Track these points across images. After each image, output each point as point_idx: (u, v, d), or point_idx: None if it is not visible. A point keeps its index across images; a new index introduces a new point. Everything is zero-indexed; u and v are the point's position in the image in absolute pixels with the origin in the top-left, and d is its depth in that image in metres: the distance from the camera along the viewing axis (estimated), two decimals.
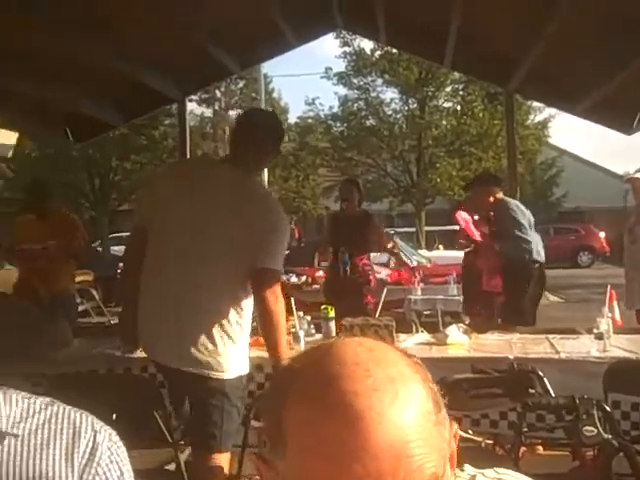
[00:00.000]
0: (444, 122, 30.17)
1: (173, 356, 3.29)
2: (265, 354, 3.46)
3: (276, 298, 3.23)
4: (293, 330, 4.54)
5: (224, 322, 3.28)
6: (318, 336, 4.81)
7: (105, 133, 9.45)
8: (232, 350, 3.31)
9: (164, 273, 3.33)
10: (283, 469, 0.86)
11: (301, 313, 4.83)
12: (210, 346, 3.24)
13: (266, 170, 27.56)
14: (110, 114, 7.94)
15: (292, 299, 4.61)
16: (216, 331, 3.26)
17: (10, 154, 8.51)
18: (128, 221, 30.98)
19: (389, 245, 8.38)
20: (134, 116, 8.85)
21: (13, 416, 1.26)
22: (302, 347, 4.37)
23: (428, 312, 9.80)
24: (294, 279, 11.46)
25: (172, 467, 3.62)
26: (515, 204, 6.83)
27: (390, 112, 30.77)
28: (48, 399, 1.32)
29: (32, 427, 1.27)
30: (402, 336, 4.87)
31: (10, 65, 5.47)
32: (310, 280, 11.23)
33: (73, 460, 1.24)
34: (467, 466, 1.10)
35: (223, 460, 3.31)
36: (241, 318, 3.33)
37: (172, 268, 3.31)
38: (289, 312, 4.38)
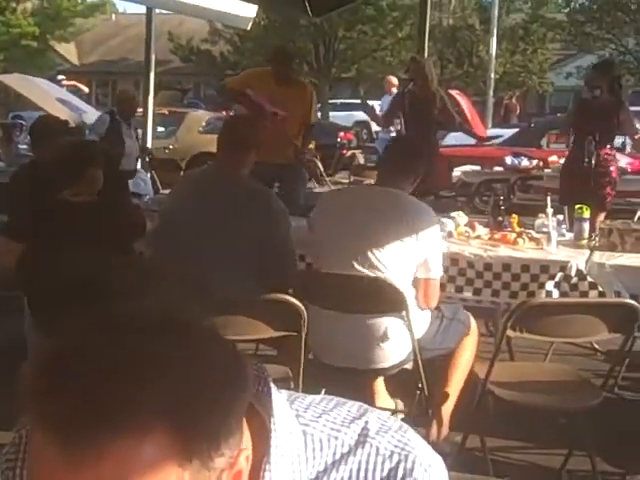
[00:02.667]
0: None
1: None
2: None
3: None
4: (545, 230, 4.31)
5: None
6: (569, 235, 4.49)
7: (342, 7, 9.29)
8: None
9: None
10: None
11: (551, 210, 4.43)
12: None
13: (494, 43, 26.49)
14: None
15: (548, 197, 4.38)
16: None
17: (249, 26, 8.58)
18: (347, 89, 31.22)
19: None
20: None
21: (316, 469, 0.93)
22: (554, 249, 4.16)
23: None
24: (525, 162, 10.94)
25: None
26: None
27: None
28: (358, 429, 0.96)
29: None
30: None
31: None
32: (542, 164, 10.71)
33: None
34: None
35: None
36: None
37: None
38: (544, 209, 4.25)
